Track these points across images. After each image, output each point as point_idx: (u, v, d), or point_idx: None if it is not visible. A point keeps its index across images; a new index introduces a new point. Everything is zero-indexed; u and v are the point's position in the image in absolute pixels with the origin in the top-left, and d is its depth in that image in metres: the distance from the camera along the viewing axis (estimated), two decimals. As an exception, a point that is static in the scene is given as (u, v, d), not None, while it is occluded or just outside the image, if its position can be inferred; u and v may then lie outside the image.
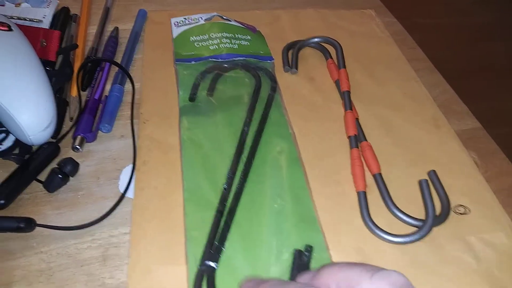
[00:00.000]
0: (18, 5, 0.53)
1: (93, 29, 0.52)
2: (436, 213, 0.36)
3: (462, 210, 0.38)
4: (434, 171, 0.38)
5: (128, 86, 0.46)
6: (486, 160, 0.43)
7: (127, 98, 0.45)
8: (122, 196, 0.36)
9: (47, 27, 0.50)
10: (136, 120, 0.42)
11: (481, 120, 0.48)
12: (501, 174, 0.42)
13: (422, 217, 0.36)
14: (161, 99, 0.45)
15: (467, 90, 0.51)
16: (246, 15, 0.58)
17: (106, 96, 0.44)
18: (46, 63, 0.44)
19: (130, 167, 0.38)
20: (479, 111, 0.50)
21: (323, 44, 0.54)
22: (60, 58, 0.46)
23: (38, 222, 0.32)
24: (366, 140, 0.42)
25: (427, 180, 0.36)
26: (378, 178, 0.39)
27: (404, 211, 0.36)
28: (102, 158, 0.39)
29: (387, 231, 0.35)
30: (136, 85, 0.46)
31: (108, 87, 0.45)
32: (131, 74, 0.46)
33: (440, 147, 0.43)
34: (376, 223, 0.35)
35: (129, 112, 0.43)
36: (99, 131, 0.41)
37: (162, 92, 0.45)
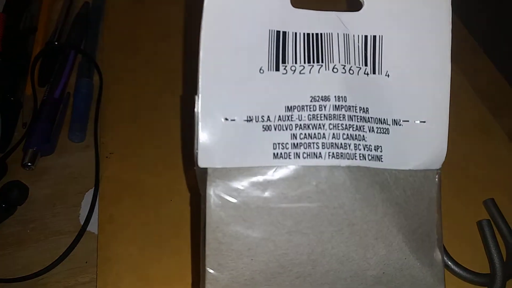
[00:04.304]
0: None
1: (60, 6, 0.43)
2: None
3: None
4: (492, 200, 0.29)
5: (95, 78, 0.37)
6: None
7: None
8: (83, 230, 0.28)
9: (2, 5, 0.41)
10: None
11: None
12: None
13: (484, 265, 0.27)
14: (128, 122, 0.34)
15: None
16: None
17: (69, 93, 0.35)
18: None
19: (92, 190, 0.30)
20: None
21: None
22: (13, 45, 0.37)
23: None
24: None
25: (489, 221, 0.27)
26: None
27: (462, 265, 0.27)
28: (60, 177, 0.31)
29: None
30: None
31: (72, 80, 0.36)
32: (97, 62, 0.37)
33: (493, 162, 0.33)
34: None
35: (93, 115, 0.34)
36: (71, 141, 0.33)
37: (129, 113, 0.34)
